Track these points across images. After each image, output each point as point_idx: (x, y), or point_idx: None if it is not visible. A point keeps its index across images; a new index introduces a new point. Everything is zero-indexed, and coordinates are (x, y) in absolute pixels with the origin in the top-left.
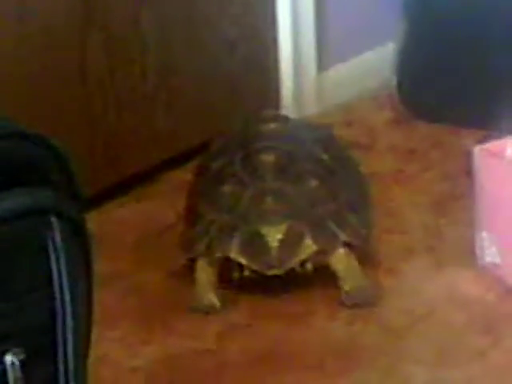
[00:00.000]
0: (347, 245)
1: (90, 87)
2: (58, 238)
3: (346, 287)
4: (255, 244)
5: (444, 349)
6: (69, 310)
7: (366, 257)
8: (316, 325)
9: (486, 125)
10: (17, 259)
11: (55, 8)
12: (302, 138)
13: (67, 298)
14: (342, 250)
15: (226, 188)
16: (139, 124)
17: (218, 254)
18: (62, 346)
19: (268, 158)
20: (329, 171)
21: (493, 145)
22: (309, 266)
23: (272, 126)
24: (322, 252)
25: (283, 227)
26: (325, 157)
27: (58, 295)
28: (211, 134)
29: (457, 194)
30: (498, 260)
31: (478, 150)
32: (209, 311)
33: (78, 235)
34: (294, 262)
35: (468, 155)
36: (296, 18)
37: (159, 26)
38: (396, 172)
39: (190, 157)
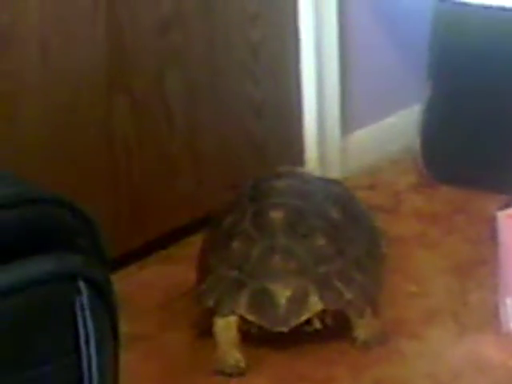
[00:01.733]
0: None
1: (115, 150)
2: (85, 302)
3: (361, 337)
4: (263, 301)
5: None
6: (96, 375)
7: (388, 321)
8: None
9: (509, 190)
10: (45, 324)
11: (80, 70)
12: (314, 194)
13: (94, 363)
14: (368, 310)
15: (236, 244)
16: (164, 186)
17: (227, 310)
18: None
19: (277, 214)
20: (338, 228)
21: None
22: (317, 324)
23: (284, 181)
24: (329, 310)
25: (290, 285)
26: (334, 214)
27: (85, 360)
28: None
29: (481, 259)
30: None
31: (501, 215)
32: (234, 371)
33: (104, 299)
34: (299, 320)
35: (492, 220)
36: (320, 81)
37: (184, 88)
38: (420, 236)
39: None
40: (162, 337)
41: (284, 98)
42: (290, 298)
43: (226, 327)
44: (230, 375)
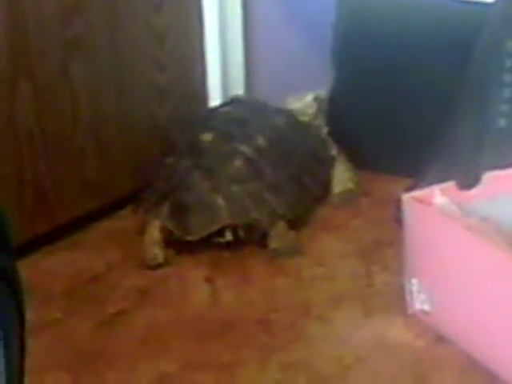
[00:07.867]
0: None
1: (19, 137)
2: None
3: (272, 245)
4: (179, 212)
5: None
6: (2, 360)
7: (295, 304)
8: (246, 375)
9: (414, 173)
10: None
11: None
12: (250, 122)
13: (0, 348)
14: (280, 224)
15: (169, 160)
16: (69, 173)
17: (152, 218)
18: None
19: (207, 137)
20: (261, 154)
21: (421, 193)
22: (229, 236)
23: (227, 108)
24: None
25: (203, 200)
26: (261, 141)
27: None
28: (141, 183)
29: (386, 242)
30: (427, 307)
31: (406, 197)
32: (152, 264)
33: (10, 286)
34: (208, 231)
35: (397, 203)
36: (225, 67)
37: (88, 74)
38: (325, 220)
39: (120, 206)
40: (68, 323)
41: (189, 83)
42: (202, 211)
43: (149, 230)
44: (150, 268)
